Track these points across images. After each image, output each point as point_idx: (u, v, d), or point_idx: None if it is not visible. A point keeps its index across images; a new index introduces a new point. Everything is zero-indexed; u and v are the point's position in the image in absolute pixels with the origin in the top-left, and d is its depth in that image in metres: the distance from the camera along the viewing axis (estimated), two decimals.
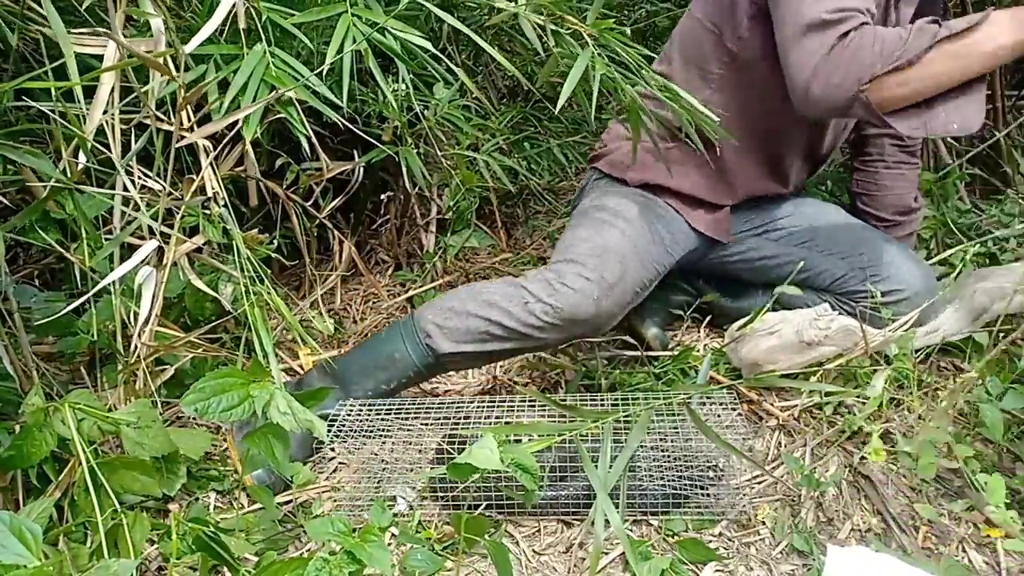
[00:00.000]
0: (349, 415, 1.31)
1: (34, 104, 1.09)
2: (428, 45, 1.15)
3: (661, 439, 1.25)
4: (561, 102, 1.06)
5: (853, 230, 1.54)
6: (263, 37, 1.13)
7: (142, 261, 1.09)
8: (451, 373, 1.60)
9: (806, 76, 1.15)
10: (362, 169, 1.67)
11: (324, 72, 1.10)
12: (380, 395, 1.35)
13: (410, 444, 1.34)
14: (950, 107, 1.15)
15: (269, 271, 1.22)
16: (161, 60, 1.04)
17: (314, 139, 1.42)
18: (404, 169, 1.66)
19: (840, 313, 1.42)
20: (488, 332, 1.30)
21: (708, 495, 1.18)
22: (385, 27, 1.09)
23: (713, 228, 1.47)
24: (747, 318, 1.42)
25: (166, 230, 1.18)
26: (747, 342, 1.37)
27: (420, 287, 1.78)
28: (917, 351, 1.37)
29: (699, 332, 1.64)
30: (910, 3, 1.38)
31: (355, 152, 1.69)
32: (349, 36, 1.10)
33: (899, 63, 1.11)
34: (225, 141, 1.35)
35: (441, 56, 1.34)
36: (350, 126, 1.43)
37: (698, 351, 1.55)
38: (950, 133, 1.16)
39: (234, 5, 1.05)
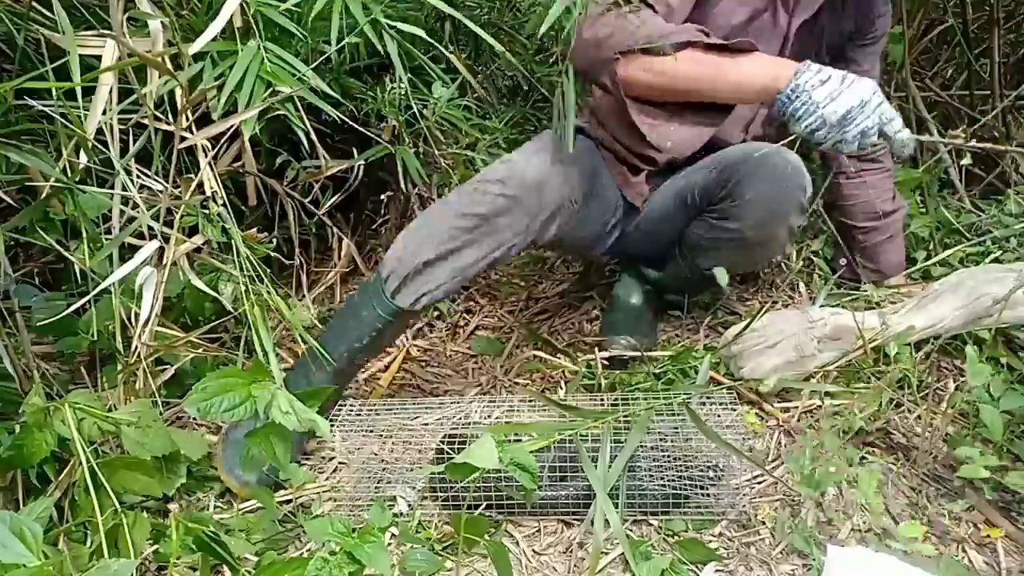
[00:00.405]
0: (349, 415, 1.31)
1: (35, 103, 1.09)
2: (422, 33, 1.15)
3: (661, 439, 1.25)
4: (544, 27, 1.04)
5: (742, 147, 1.41)
6: (258, 33, 1.13)
7: (143, 262, 1.09)
8: (451, 373, 1.61)
9: (582, 23, 1.17)
10: (361, 168, 1.67)
11: (322, 69, 1.10)
12: (355, 354, 1.32)
13: (410, 444, 1.34)
14: (681, 132, 1.25)
15: (269, 270, 1.22)
16: (160, 60, 1.04)
17: (313, 136, 1.42)
18: (401, 169, 1.66)
19: (830, 311, 1.42)
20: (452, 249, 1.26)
21: (708, 495, 1.18)
22: (378, 17, 1.10)
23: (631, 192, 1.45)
24: (740, 326, 1.41)
25: (166, 230, 1.18)
26: (748, 359, 1.36)
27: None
28: (917, 348, 1.38)
29: (699, 333, 1.64)
30: (805, 10, 1.37)
31: (354, 151, 1.69)
32: (340, 15, 1.10)
33: (653, 45, 1.14)
34: (223, 140, 1.35)
35: (441, 50, 1.34)
36: (348, 121, 1.43)
37: (697, 351, 1.55)
38: (662, 149, 1.26)
39: (239, 5, 1.05)
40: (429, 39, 1.18)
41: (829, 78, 1.11)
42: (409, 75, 1.34)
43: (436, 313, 1.73)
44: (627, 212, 1.50)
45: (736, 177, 1.31)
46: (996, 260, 1.59)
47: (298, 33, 1.24)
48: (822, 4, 1.36)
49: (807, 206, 1.31)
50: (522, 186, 1.25)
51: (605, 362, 1.48)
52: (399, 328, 1.38)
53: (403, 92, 1.53)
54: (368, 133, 1.62)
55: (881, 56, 1.57)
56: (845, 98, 1.09)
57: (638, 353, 1.49)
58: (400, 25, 1.13)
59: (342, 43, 1.10)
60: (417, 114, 1.61)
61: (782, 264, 1.66)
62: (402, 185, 1.71)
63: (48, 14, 1.07)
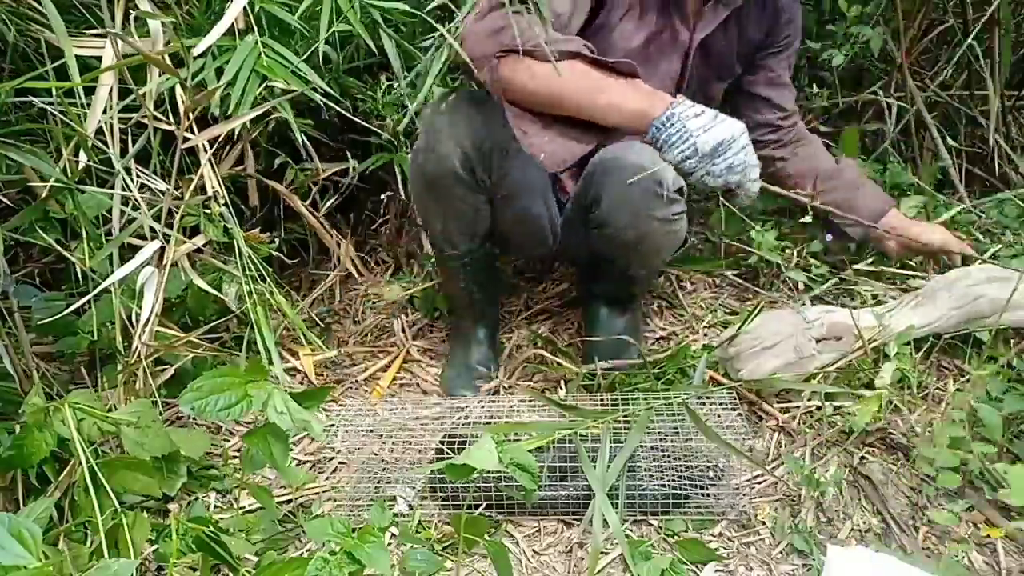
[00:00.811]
0: (349, 415, 1.31)
1: (35, 102, 1.09)
2: (404, 6, 1.17)
3: (661, 439, 1.25)
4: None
5: (601, 152, 1.38)
6: (255, 28, 1.13)
7: (144, 262, 1.09)
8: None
9: (472, 17, 1.18)
10: (358, 171, 1.67)
11: (321, 68, 1.10)
12: None
13: (410, 444, 1.34)
14: (554, 144, 1.24)
15: (271, 270, 1.22)
16: (161, 58, 1.05)
17: (309, 137, 1.42)
18: (399, 174, 1.66)
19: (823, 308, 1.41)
20: None
21: (708, 495, 1.18)
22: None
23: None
24: (734, 328, 1.41)
25: (167, 231, 1.18)
26: (746, 361, 1.36)
27: (420, 288, 1.78)
28: (916, 348, 1.38)
29: (699, 333, 1.64)
30: (707, 25, 1.38)
31: (354, 151, 1.69)
32: (326, 5, 1.10)
33: (538, 48, 1.14)
34: (222, 141, 1.35)
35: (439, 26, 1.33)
36: (348, 115, 1.43)
37: (695, 351, 1.54)
38: (535, 157, 1.24)
39: (243, 7, 1.06)
40: (419, 13, 1.19)
41: (703, 112, 1.16)
42: (407, 74, 1.34)
43: (436, 313, 1.73)
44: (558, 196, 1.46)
45: (594, 184, 1.31)
46: (993, 256, 1.58)
47: (299, 28, 1.24)
48: (727, 15, 1.37)
49: (672, 194, 1.24)
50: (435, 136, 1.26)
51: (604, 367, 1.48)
52: None
53: (401, 92, 1.53)
54: (367, 132, 1.62)
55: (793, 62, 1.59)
56: (718, 131, 1.14)
57: (638, 361, 1.48)
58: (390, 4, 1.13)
59: (332, 30, 1.10)
60: (415, 115, 1.61)
61: (781, 264, 1.65)
62: (400, 189, 1.71)
63: (46, 12, 1.07)
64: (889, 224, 1.57)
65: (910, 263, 1.65)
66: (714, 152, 1.14)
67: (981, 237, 1.70)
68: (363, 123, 1.52)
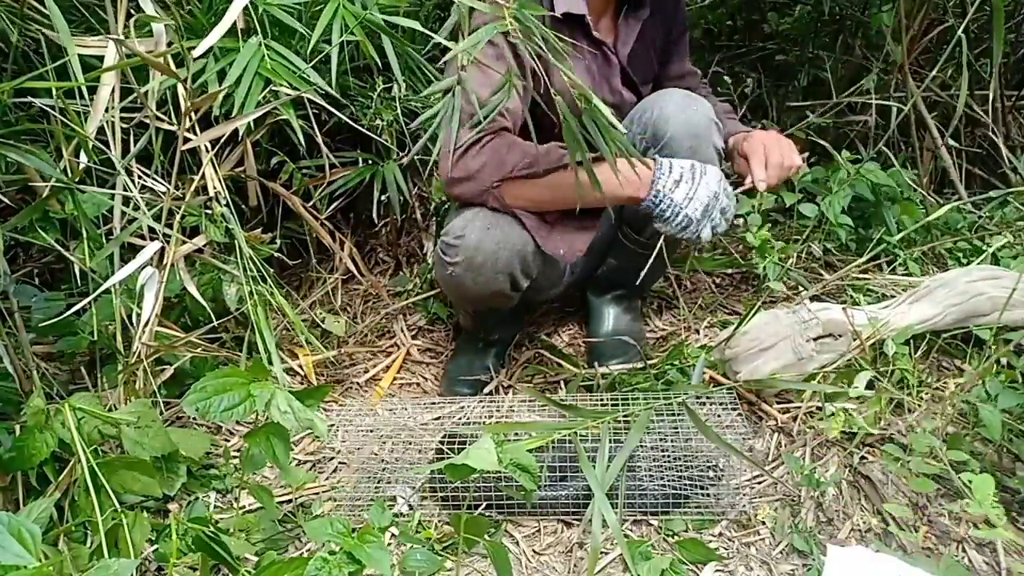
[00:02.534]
0: (349, 415, 1.31)
1: (36, 102, 1.09)
2: (417, 25, 1.16)
3: (661, 439, 1.25)
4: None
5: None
6: (258, 30, 1.13)
7: (144, 263, 1.09)
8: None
9: (447, 167, 1.26)
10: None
11: (323, 70, 1.10)
12: None
13: (410, 444, 1.34)
14: (565, 237, 1.35)
15: (271, 270, 1.22)
16: (163, 60, 1.04)
17: (318, 139, 1.42)
18: (393, 183, 1.67)
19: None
20: None
21: (708, 495, 1.18)
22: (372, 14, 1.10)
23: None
24: (730, 330, 1.41)
25: (167, 231, 1.18)
26: (745, 363, 1.36)
27: (418, 295, 1.78)
28: (915, 347, 1.38)
29: (699, 333, 1.64)
30: (625, 44, 1.46)
31: (353, 152, 1.69)
32: (338, 18, 1.11)
33: (530, 172, 1.26)
34: (223, 141, 1.35)
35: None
36: (349, 121, 1.43)
37: (693, 351, 1.54)
38: (556, 256, 1.34)
39: (245, 8, 1.06)
40: (420, 27, 1.19)
41: (681, 177, 1.25)
42: (406, 76, 1.34)
43: (435, 314, 1.73)
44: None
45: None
46: (993, 255, 1.58)
47: (300, 30, 1.24)
48: (638, 31, 1.47)
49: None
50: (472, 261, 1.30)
51: (604, 371, 1.48)
52: None
53: (400, 93, 1.53)
54: (366, 132, 1.62)
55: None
56: (701, 193, 1.25)
57: (639, 365, 1.49)
58: (397, 19, 1.13)
59: (341, 39, 1.10)
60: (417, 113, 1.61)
61: (775, 266, 1.65)
62: (397, 194, 1.71)
63: (48, 13, 1.07)
64: (735, 137, 1.58)
65: (912, 261, 1.66)
66: (705, 213, 1.26)
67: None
68: (364, 129, 1.52)
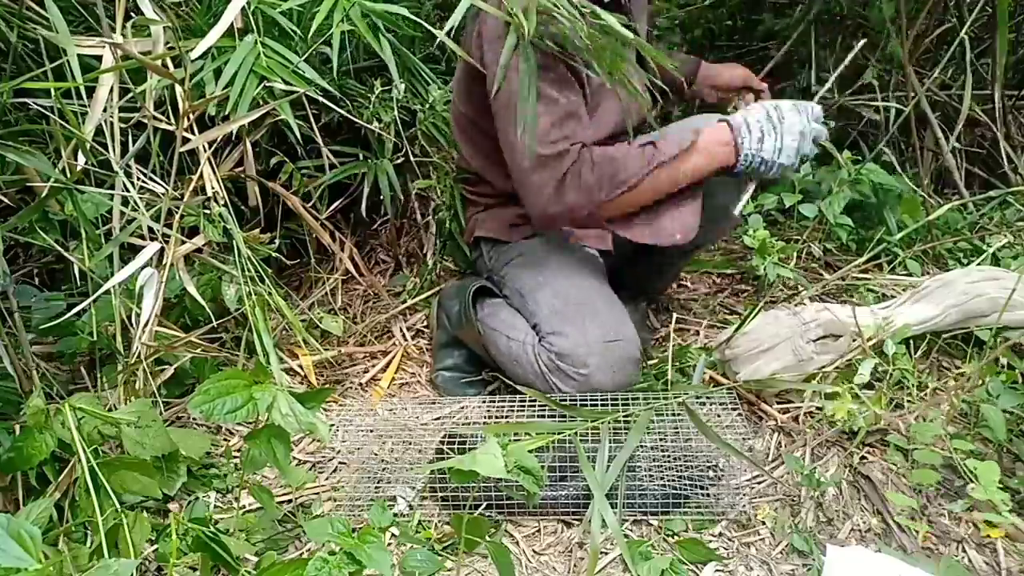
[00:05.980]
0: (349, 415, 1.31)
1: (34, 103, 1.09)
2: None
3: (661, 439, 1.25)
4: None
5: None
6: (254, 29, 1.13)
7: (144, 264, 1.09)
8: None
9: (543, 202, 1.26)
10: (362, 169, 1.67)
11: (321, 70, 1.10)
12: None
13: (410, 444, 1.34)
14: (674, 217, 1.31)
15: (270, 271, 1.22)
16: (160, 63, 1.04)
17: (317, 139, 1.42)
18: (386, 184, 1.67)
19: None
20: None
21: (708, 495, 1.18)
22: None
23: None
24: (734, 328, 1.41)
25: (167, 231, 1.18)
26: (745, 364, 1.36)
27: (418, 296, 1.78)
28: (915, 347, 1.38)
29: (699, 333, 1.64)
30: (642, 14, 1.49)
31: (353, 152, 1.69)
32: (339, 8, 1.10)
33: (622, 189, 1.24)
34: (223, 141, 1.35)
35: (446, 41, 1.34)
36: (343, 112, 1.43)
37: (694, 352, 1.54)
38: (676, 243, 1.30)
39: (241, 8, 1.06)
40: (418, 20, 1.20)
41: (763, 132, 1.26)
42: (404, 78, 1.34)
43: None
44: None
45: None
46: (993, 256, 1.58)
47: (296, 32, 1.24)
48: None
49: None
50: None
51: None
52: None
53: (399, 94, 1.53)
54: (365, 128, 1.62)
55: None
56: (788, 141, 1.26)
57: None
58: (396, 8, 1.13)
59: (334, 30, 1.10)
60: (416, 114, 1.61)
61: (779, 264, 1.65)
62: (388, 190, 1.71)
63: (47, 14, 1.07)
64: (703, 75, 1.70)
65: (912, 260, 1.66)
66: (797, 154, 1.27)
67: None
68: (363, 123, 1.52)
